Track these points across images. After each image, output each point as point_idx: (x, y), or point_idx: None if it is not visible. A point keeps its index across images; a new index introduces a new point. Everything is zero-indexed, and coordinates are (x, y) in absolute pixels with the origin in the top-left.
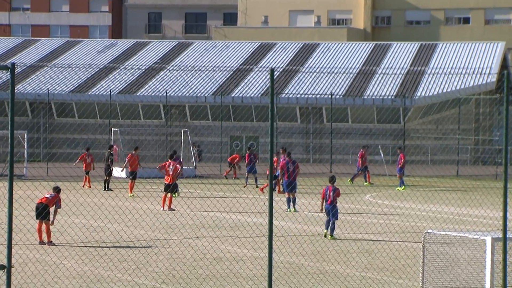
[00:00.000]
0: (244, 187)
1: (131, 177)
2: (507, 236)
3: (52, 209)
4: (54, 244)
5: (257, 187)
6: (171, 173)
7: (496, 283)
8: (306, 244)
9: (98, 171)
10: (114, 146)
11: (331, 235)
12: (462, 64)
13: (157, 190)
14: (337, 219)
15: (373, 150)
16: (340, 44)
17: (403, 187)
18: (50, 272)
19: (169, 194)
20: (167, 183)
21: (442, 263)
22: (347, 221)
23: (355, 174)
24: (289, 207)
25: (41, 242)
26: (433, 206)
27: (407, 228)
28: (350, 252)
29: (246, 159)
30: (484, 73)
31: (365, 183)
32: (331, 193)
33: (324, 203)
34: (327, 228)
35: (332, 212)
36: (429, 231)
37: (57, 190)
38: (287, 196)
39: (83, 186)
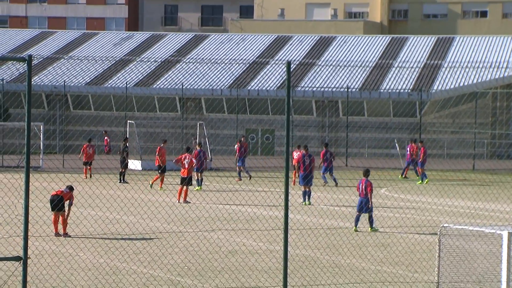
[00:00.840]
0: (250, 179)
1: (159, 170)
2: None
3: (66, 203)
4: (69, 236)
5: (240, 179)
6: (186, 166)
7: None
8: (322, 237)
9: (114, 163)
10: (105, 138)
11: (371, 227)
12: (479, 58)
13: (172, 183)
14: (372, 211)
15: (388, 143)
16: (357, 37)
17: (427, 180)
18: (66, 263)
19: (185, 187)
20: (183, 176)
21: (458, 257)
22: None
23: (404, 168)
24: (304, 200)
25: (57, 234)
26: (449, 200)
27: (423, 222)
28: (366, 245)
29: (237, 151)
30: (501, 67)
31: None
32: (363, 186)
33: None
34: (356, 223)
35: (365, 206)
36: (445, 225)
37: (69, 188)
38: (303, 190)
39: (85, 178)
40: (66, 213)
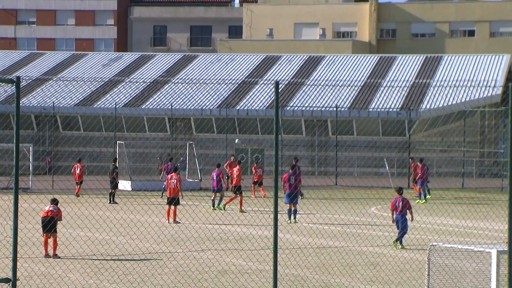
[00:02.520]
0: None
1: (235, 191)
2: None
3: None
4: (59, 257)
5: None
6: (173, 186)
7: None
8: (311, 257)
9: (103, 184)
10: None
11: (401, 245)
12: (467, 77)
13: (162, 203)
14: (407, 230)
15: (378, 162)
16: (345, 56)
17: (426, 198)
18: (56, 285)
19: (173, 207)
20: (169, 196)
21: (447, 275)
22: (352, 234)
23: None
24: (290, 218)
25: (47, 255)
26: (438, 219)
27: (412, 241)
28: (355, 264)
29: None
30: (489, 86)
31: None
32: (400, 204)
33: (393, 214)
34: (397, 240)
35: (402, 223)
36: (434, 243)
37: (55, 202)
38: (288, 208)
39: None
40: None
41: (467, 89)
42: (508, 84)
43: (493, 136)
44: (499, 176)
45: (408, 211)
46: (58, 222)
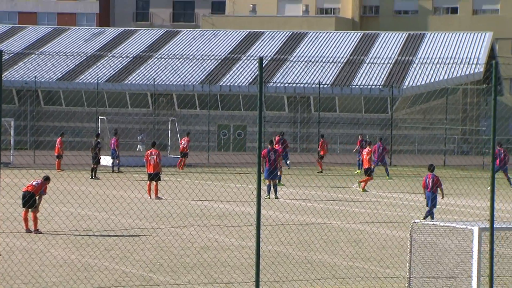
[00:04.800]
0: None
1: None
2: (494, 226)
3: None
4: (40, 232)
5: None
6: (152, 162)
7: (482, 272)
8: (294, 233)
9: (86, 159)
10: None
11: (426, 217)
12: (450, 54)
13: (144, 179)
14: (435, 207)
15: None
16: (328, 33)
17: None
18: (37, 260)
19: (154, 183)
20: (149, 172)
21: (429, 252)
22: (334, 211)
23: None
24: (268, 194)
25: (28, 230)
26: (421, 196)
27: (394, 218)
28: (338, 241)
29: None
30: (472, 63)
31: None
32: (430, 181)
33: (425, 192)
34: (425, 218)
35: (432, 200)
36: (416, 220)
37: (45, 178)
38: (267, 184)
39: (58, 170)
40: (37, 205)
41: (450, 66)
42: (491, 62)
43: (475, 114)
44: (481, 154)
45: (438, 188)
46: (43, 197)
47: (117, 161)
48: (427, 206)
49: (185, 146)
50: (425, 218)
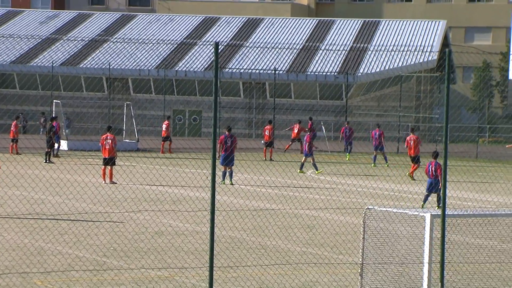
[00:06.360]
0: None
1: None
2: (446, 213)
3: None
4: None
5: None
6: (107, 146)
7: (434, 259)
8: (248, 219)
9: (40, 143)
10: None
11: (438, 206)
12: (404, 42)
13: (99, 163)
14: (440, 191)
15: (315, 126)
16: (284, 19)
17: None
18: None
19: (109, 167)
20: (104, 156)
21: (382, 239)
22: (289, 197)
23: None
24: (223, 179)
25: None
26: (374, 183)
27: (348, 204)
28: (292, 227)
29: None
30: (426, 51)
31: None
32: (432, 168)
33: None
34: (424, 202)
35: (435, 187)
36: (369, 207)
37: None
38: (223, 170)
39: (11, 153)
40: None
41: (404, 54)
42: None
43: (429, 102)
44: (434, 141)
45: (439, 175)
46: None
47: (57, 145)
48: (426, 191)
49: (165, 130)
50: (424, 203)
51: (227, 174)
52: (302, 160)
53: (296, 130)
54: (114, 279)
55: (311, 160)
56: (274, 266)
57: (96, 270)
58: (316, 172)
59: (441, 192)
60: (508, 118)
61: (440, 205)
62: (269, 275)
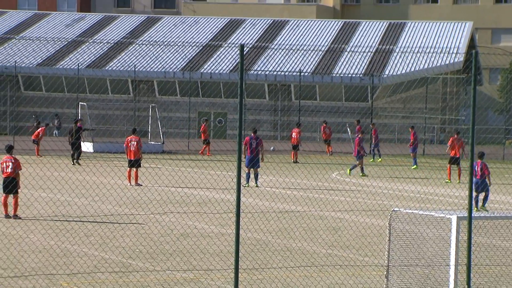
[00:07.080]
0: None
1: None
2: (472, 215)
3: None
4: (20, 218)
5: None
6: (132, 148)
7: (460, 261)
8: (273, 221)
9: (66, 145)
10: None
11: (483, 206)
12: (430, 44)
13: (125, 165)
14: (488, 193)
15: (340, 128)
16: (309, 21)
17: (415, 166)
18: (16, 245)
19: (134, 169)
20: (129, 158)
21: (407, 241)
22: (314, 199)
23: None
24: (247, 182)
25: (7, 216)
26: (400, 185)
27: (373, 206)
28: (317, 229)
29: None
30: (452, 53)
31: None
32: (479, 168)
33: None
34: (476, 205)
35: (481, 186)
36: (395, 209)
37: (10, 151)
38: (247, 171)
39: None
40: (18, 185)
41: (430, 55)
42: (471, 52)
43: (455, 103)
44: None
45: (487, 175)
46: (20, 182)
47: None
48: (474, 192)
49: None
50: (476, 205)
51: (251, 176)
52: (358, 164)
53: (294, 135)
54: (140, 281)
55: (358, 163)
56: (299, 268)
57: (122, 272)
58: (361, 175)
59: (489, 192)
60: None
61: (485, 204)
62: (294, 277)
